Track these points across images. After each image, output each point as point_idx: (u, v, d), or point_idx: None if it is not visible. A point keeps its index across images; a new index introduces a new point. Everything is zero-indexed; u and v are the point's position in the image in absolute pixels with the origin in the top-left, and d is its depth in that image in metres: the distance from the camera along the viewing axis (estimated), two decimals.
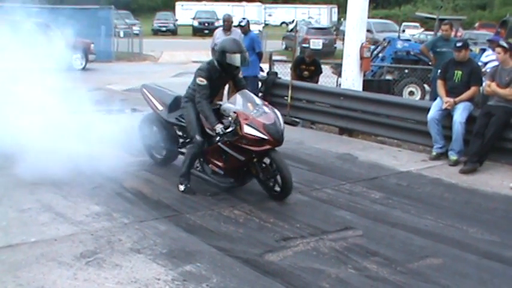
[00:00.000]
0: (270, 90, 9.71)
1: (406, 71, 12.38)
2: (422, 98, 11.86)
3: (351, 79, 9.18)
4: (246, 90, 5.60)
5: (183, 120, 5.94)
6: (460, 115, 7.02)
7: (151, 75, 10.12)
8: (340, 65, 9.78)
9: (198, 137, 5.54)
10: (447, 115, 7.21)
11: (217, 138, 5.33)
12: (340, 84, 9.95)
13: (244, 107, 5.39)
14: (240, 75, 5.76)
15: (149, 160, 6.69)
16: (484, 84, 7.24)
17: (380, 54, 13.44)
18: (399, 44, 13.55)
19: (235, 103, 5.49)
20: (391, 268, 4.19)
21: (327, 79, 12.02)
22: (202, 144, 5.56)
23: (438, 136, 7.26)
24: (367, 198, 5.77)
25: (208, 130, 5.46)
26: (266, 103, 5.68)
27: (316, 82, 10.66)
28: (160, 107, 6.27)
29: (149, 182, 5.98)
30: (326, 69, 12.06)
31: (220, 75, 5.59)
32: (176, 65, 19.84)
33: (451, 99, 7.14)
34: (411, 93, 12.20)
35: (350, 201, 5.64)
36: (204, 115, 5.48)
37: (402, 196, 5.86)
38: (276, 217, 5.13)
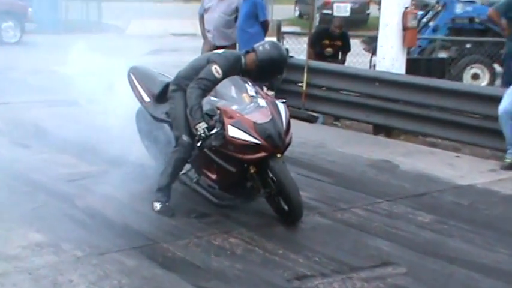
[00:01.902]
0: None
1: (468, 45, 12.39)
2: (491, 83, 11.86)
3: (390, 58, 9.21)
4: (236, 76, 5.70)
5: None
6: None
7: (116, 52, 10.08)
8: (375, 38, 9.82)
9: (185, 138, 5.65)
10: None
11: (200, 141, 5.43)
12: (374, 66, 10.00)
13: (236, 100, 5.50)
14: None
15: (113, 169, 6.72)
16: None
17: (431, 23, 13.45)
18: (459, 8, 13.54)
19: (223, 95, 5.61)
20: None
21: (356, 58, 12.02)
22: (189, 147, 5.65)
23: None
24: (412, 222, 5.76)
25: (193, 130, 5.53)
26: (264, 93, 5.76)
27: (343, 63, 10.68)
28: (146, 98, 6.39)
29: (112, 199, 5.99)
30: (355, 45, 12.05)
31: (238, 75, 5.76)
32: (150, 38, 19.83)
33: None
34: (475, 76, 12.21)
35: (389, 226, 5.64)
36: (190, 106, 5.53)
37: (462, 220, 5.85)
38: (286, 247, 5.12)
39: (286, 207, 5.54)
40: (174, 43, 18.37)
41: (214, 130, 5.36)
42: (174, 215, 5.63)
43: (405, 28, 9.14)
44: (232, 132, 5.33)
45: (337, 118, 9.74)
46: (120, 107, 7.24)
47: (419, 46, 12.18)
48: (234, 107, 5.46)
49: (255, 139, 5.31)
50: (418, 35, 10.34)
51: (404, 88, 8.72)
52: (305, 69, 9.48)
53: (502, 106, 7.30)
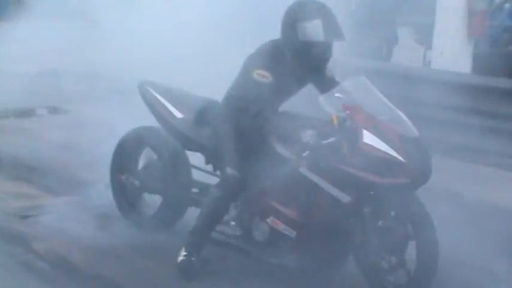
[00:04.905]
0: None
1: None
2: None
3: (451, 51, 9.36)
4: (365, 78, 5.43)
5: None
6: None
7: (92, 45, 10.03)
8: (430, 26, 9.93)
9: (229, 170, 5.48)
10: None
11: (305, 153, 5.12)
12: (429, 62, 10.17)
13: (363, 102, 5.22)
14: (329, 71, 5.68)
15: (83, 201, 6.79)
16: None
17: (507, 5, 13.45)
18: None
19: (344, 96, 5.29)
20: None
21: (406, 52, 12.04)
22: (236, 184, 5.47)
23: None
24: None
25: (280, 150, 5.33)
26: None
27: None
28: (179, 114, 6.11)
29: (79, 241, 6.04)
30: (405, 35, 12.24)
31: (292, 69, 5.46)
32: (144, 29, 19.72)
33: None
34: None
35: None
36: (276, 128, 5.35)
37: None
38: None
39: (403, 279, 5.16)
40: None
41: (331, 139, 5.04)
42: (193, 278, 5.48)
43: (472, 13, 9.23)
44: (368, 138, 4.99)
45: None
46: (94, 118, 7.31)
47: (492, 37, 12.17)
48: (367, 109, 5.18)
49: (398, 155, 4.95)
50: (487, 23, 10.40)
51: (472, 93, 8.72)
52: None
53: None
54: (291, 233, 5.30)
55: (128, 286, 5.39)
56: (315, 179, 5.15)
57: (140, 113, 7.33)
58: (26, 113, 9.96)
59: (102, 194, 6.85)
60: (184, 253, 5.48)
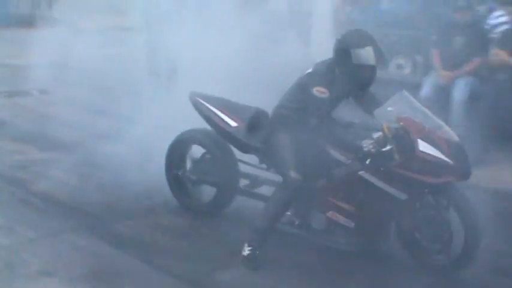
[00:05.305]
0: None
1: (394, 38, 12.48)
2: (413, 72, 12.00)
3: (326, 47, 9.24)
4: (406, 92, 4.83)
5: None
6: (460, 92, 7.13)
7: (70, 45, 9.93)
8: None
9: (293, 174, 4.69)
10: (444, 93, 7.30)
11: (368, 160, 4.56)
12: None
13: (412, 114, 4.70)
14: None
15: (65, 156, 6.67)
16: (492, 53, 7.33)
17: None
18: (385, 3, 13.62)
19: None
20: None
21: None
22: (297, 186, 4.70)
23: None
24: None
25: (337, 156, 4.74)
26: None
27: None
28: (233, 123, 5.29)
29: (64, 184, 5.96)
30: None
31: (342, 86, 4.79)
32: (108, 31, 19.30)
33: (449, 73, 7.25)
34: (399, 66, 12.34)
35: None
36: (335, 137, 4.79)
37: None
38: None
39: (439, 256, 4.73)
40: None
41: (388, 147, 4.47)
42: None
43: (336, 20, 9.28)
44: (424, 147, 4.48)
45: None
46: (72, 98, 7.25)
47: None
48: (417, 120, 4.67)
49: (447, 158, 4.48)
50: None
51: None
52: None
53: (422, 92, 7.35)
54: (350, 224, 4.72)
55: (104, 216, 5.30)
56: (376, 181, 4.58)
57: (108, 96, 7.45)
58: (23, 93, 9.79)
59: (81, 150, 6.78)
60: (249, 248, 4.65)
